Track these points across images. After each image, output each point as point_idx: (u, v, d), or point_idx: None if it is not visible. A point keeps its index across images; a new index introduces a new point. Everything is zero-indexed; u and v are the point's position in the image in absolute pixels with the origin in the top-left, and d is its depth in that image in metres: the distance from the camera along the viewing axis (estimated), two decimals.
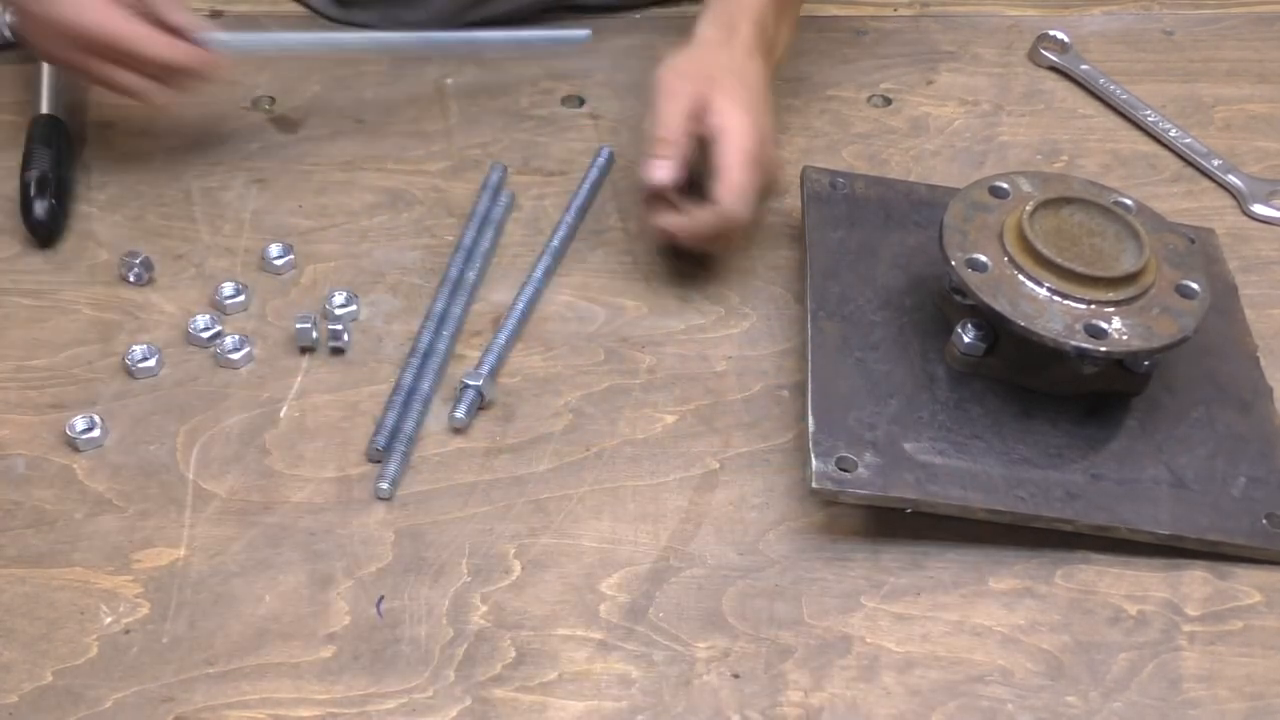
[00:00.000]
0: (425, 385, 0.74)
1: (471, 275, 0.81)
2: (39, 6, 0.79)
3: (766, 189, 0.79)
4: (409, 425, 0.72)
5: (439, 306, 0.79)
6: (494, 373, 0.75)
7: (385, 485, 0.69)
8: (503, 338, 0.77)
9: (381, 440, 0.71)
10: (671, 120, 0.77)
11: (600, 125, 0.94)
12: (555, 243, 0.83)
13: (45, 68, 0.93)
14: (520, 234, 0.86)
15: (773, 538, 0.69)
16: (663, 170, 0.77)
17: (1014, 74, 1.02)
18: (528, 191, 0.89)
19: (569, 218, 0.85)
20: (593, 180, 0.88)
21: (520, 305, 0.79)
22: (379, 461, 0.71)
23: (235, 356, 0.76)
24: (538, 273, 0.81)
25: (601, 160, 0.89)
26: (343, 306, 0.79)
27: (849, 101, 0.98)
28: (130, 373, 0.75)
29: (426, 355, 0.76)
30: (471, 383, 0.73)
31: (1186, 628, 0.65)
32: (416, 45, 0.93)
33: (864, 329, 0.75)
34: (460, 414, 0.72)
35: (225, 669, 0.62)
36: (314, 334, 0.76)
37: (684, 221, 0.78)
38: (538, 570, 0.67)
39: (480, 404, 0.73)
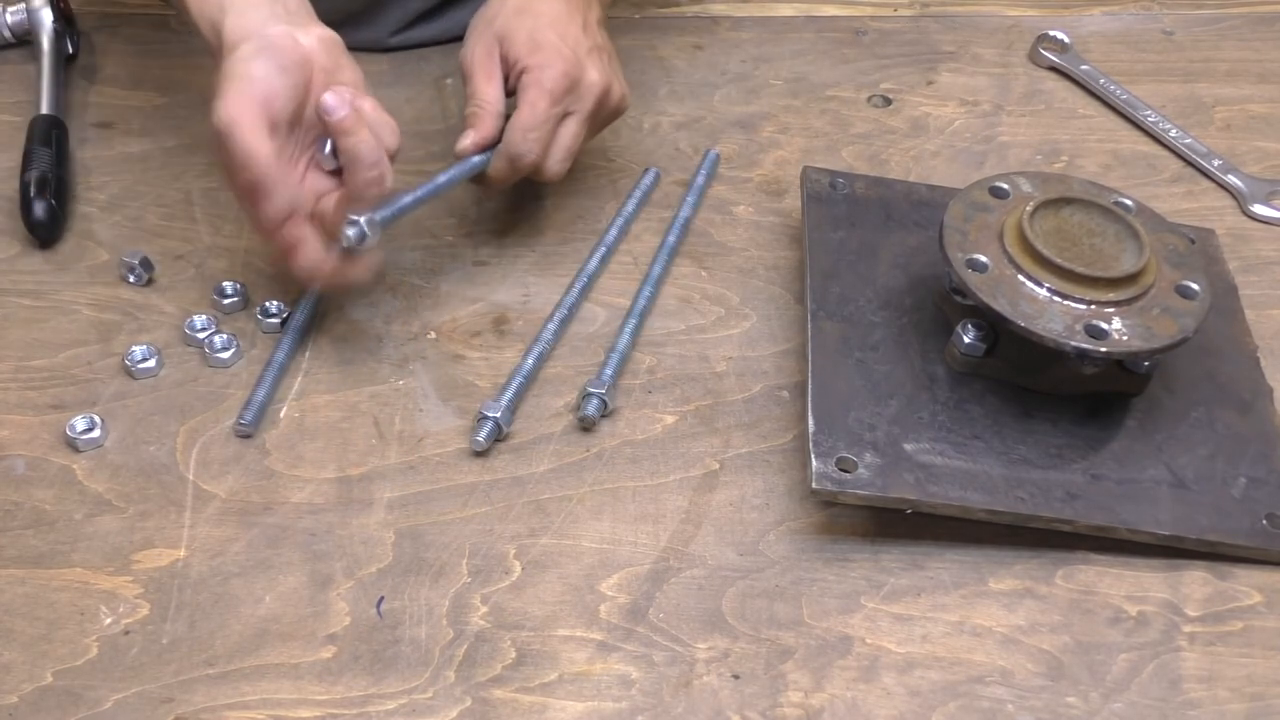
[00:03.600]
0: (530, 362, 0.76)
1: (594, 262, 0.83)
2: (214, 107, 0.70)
3: (592, 117, 0.80)
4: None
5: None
6: (513, 405, 0.74)
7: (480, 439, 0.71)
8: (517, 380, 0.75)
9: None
10: (484, 84, 0.78)
11: None
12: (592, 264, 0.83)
13: (45, 67, 0.94)
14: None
15: (773, 538, 0.69)
16: (469, 140, 0.77)
17: (1014, 74, 1.02)
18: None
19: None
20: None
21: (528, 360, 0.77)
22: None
23: (224, 356, 0.76)
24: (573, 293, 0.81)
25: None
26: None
27: (849, 101, 0.98)
28: (130, 373, 0.75)
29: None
30: (491, 414, 0.72)
31: (1186, 628, 0.65)
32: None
33: (864, 329, 0.75)
34: (480, 438, 0.72)
35: (225, 670, 0.62)
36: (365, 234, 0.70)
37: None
38: (538, 571, 0.67)
39: (499, 436, 0.73)
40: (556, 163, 0.79)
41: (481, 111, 0.78)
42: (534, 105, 0.76)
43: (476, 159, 0.78)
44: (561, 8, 0.80)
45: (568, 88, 0.77)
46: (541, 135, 0.77)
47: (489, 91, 0.78)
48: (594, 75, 0.79)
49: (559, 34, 0.78)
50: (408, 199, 0.74)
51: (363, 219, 0.70)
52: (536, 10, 0.79)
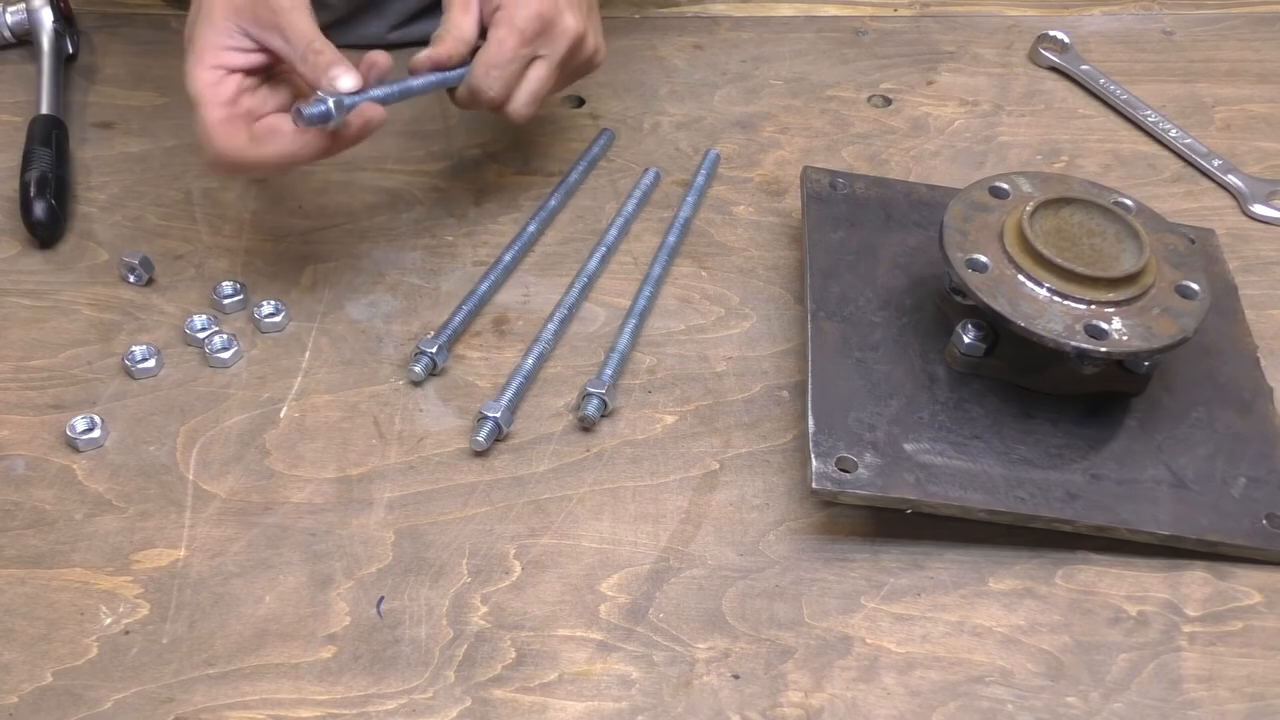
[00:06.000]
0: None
1: (594, 263, 0.83)
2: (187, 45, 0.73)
3: (563, 64, 0.78)
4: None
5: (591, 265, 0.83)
6: (514, 405, 0.74)
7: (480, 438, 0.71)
8: (518, 380, 0.75)
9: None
10: (459, 13, 0.77)
11: (600, 125, 0.94)
12: (592, 265, 0.83)
13: (45, 67, 0.94)
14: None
15: (773, 538, 0.69)
16: (423, 54, 0.76)
17: (1014, 74, 1.02)
18: (528, 192, 0.89)
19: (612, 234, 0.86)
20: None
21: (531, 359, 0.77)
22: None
23: (225, 356, 0.76)
24: (573, 293, 0.81)
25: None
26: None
27: (849, 101, 0.98)
28: (130, 373, 0.75)
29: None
30: (491, 414, 0.72)
31: (1186, 628, 0.65)
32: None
33: (864, 329, 0.75)
34: (480, 438, 0.72)
35: (225, 669, 0.62)
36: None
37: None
38: (538, 571, 0.67)
39: (499, 436, 0.73)
40: (521, 105, 0.78)
41: (446, 35, 0.76)
42: (501, 43, 0.75)
43: (444, 75, 0.77)
44: None
45: (539, 29, 0.76)
46: (505, 74, 0.76)
47: (461, 20, 0.77)
48: (570, 20, 0.77)
49: None
50: (377, 92, 0.74)
51: (329, 99, 0.70)
52: None
